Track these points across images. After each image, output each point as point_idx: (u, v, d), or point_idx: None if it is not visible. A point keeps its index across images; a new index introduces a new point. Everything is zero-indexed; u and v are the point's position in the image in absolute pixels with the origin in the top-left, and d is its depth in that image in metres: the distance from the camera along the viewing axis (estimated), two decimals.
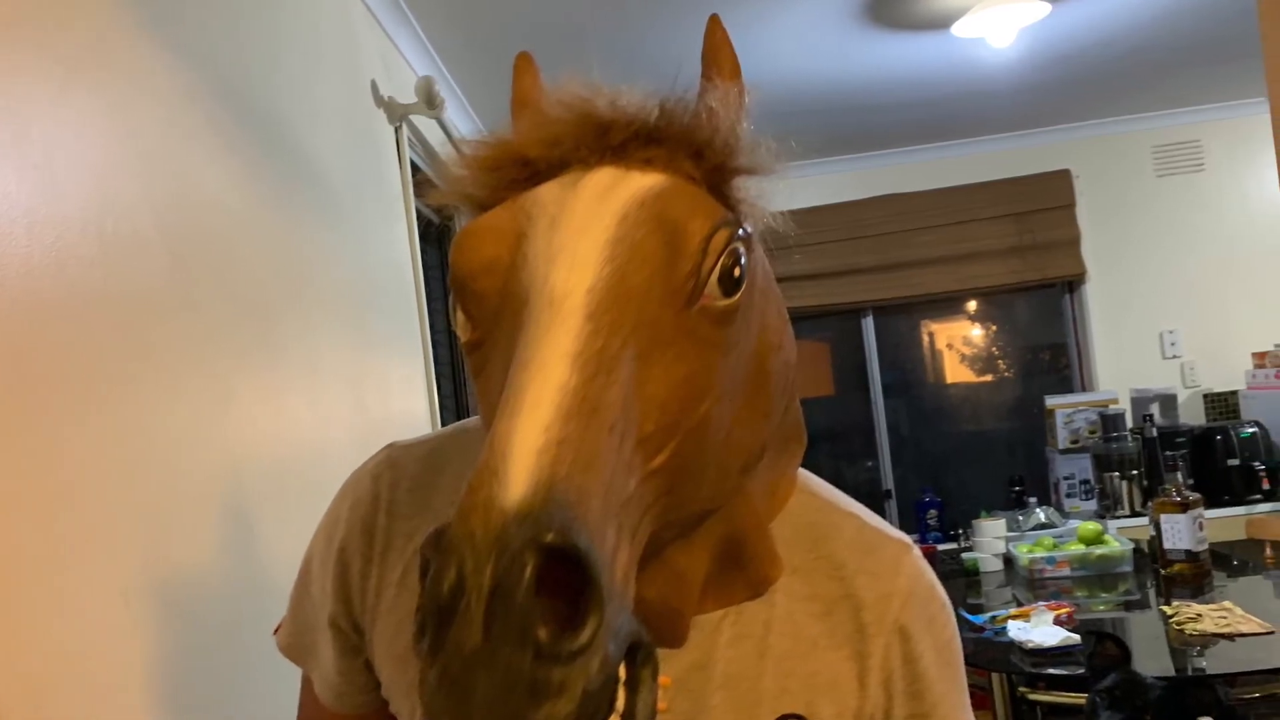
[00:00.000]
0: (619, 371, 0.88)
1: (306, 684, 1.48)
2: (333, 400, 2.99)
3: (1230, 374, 7.41)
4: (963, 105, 6.65)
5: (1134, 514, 6.59)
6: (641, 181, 0.99)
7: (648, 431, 0.90)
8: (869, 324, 7.91)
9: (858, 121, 6.79)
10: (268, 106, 2.76)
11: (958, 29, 5.04)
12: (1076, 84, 6.43)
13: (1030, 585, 5.08)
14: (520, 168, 1.05)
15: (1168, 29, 5.56)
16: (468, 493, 0.77)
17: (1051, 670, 3.89)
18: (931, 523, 7.30)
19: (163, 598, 1.88)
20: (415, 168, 4.33)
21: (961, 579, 5.42)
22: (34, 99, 1.68)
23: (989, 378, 8.16)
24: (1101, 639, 3.55)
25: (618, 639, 0.79)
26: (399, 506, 1.29)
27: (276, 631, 1.48)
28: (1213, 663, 3.77)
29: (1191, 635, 3.92)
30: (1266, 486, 6.71)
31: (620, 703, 0.81)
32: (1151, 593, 4.90)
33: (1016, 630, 4.09)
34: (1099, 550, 5.16)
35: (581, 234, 0.95)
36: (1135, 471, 6.72)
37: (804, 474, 1.32)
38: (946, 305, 8.04)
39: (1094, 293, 7.64)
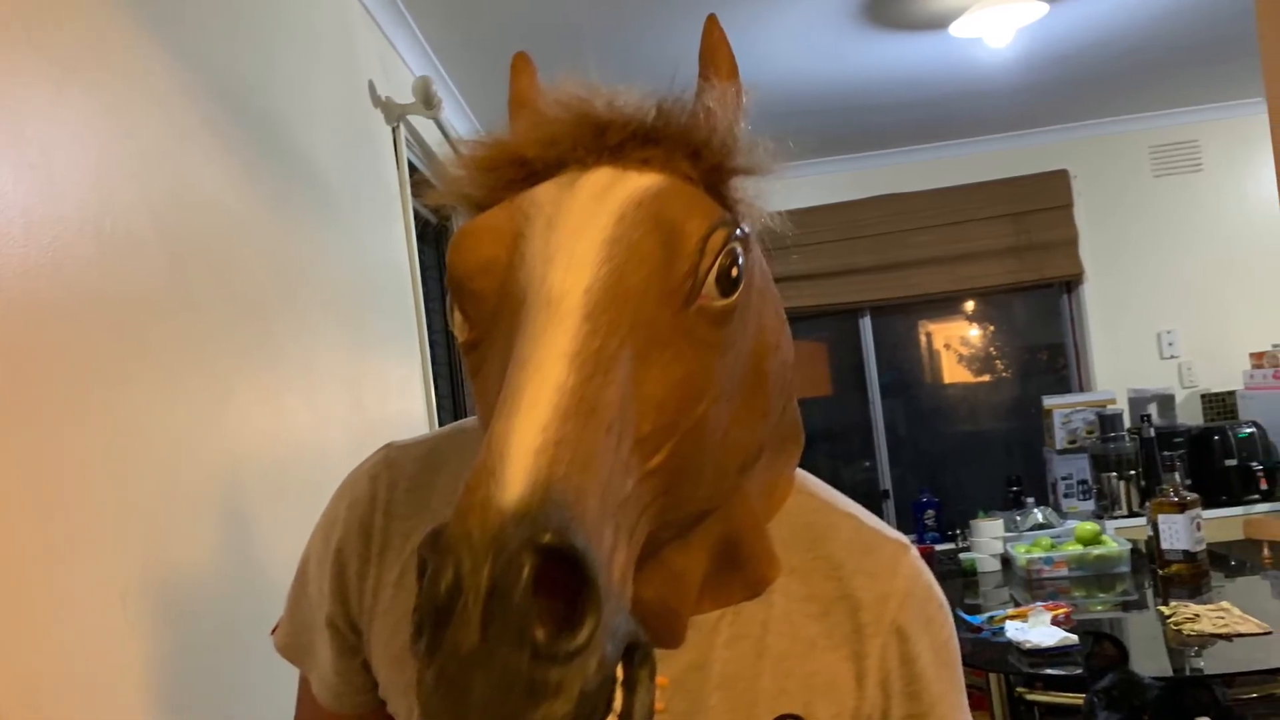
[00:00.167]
0: (616, 372, 0.88)
1: (304, 684, 1.48)
2: (330, 400, 2.99)
3: (1228, 374, 7.41)
4: (960, 105, 6.65)
5: (1132, 514, 6.59)
6: (639, 182, 0.99)
7: (645, 432, 0.90)
8: (866, 324, 7.92)
9: (855, 121, 6.79)
10: (265, 106, 2.76)
11: (955, 29, 5.04)
12: (1074, 84, 6.44)
13: (1028, 585, 5.08)
14: (517, 168, 1.05)
15: (1165, 29, 5.57)
16: (465, 493, 0.77)
17: (1049, 670, 3.89)
18: (929, 523, 7.30)
19: (160, 598, 1.88)
20: (413, 168, 4.33)
21: (959, 579, 5.42)
22: (31, 98, 1.68)
23: (987, 378, 8.17)
24: (1099, 639, 3.55)
25: (615, 639, 0.79)
26: (396, 507, 1.29)
27: (274, 631, 1.48)
28: (1210, 663, 3.77)
29: (1189, 635, 3.92)
30: (1264, 487, 6.72)
31: (618, 703, 0.81)
32: (1149, 593, 4.90)
33: (1014, 630, 4.09)
34: (1097, 550, 5.16)
35: (579, 234, 0.95)
36: (1133, 472, 6.72)
37: (801, 474, 1.32)
38: (944, 305, 8.05)
39: (1091, 293, 7.64)
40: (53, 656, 1.58)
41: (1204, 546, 4.97)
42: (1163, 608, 4.34)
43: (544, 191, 1.01)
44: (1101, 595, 4.95)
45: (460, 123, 5.34)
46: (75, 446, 1.68)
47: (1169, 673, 3.73)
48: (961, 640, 1.32)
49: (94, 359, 1.76)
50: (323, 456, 2.79)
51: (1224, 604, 4.19)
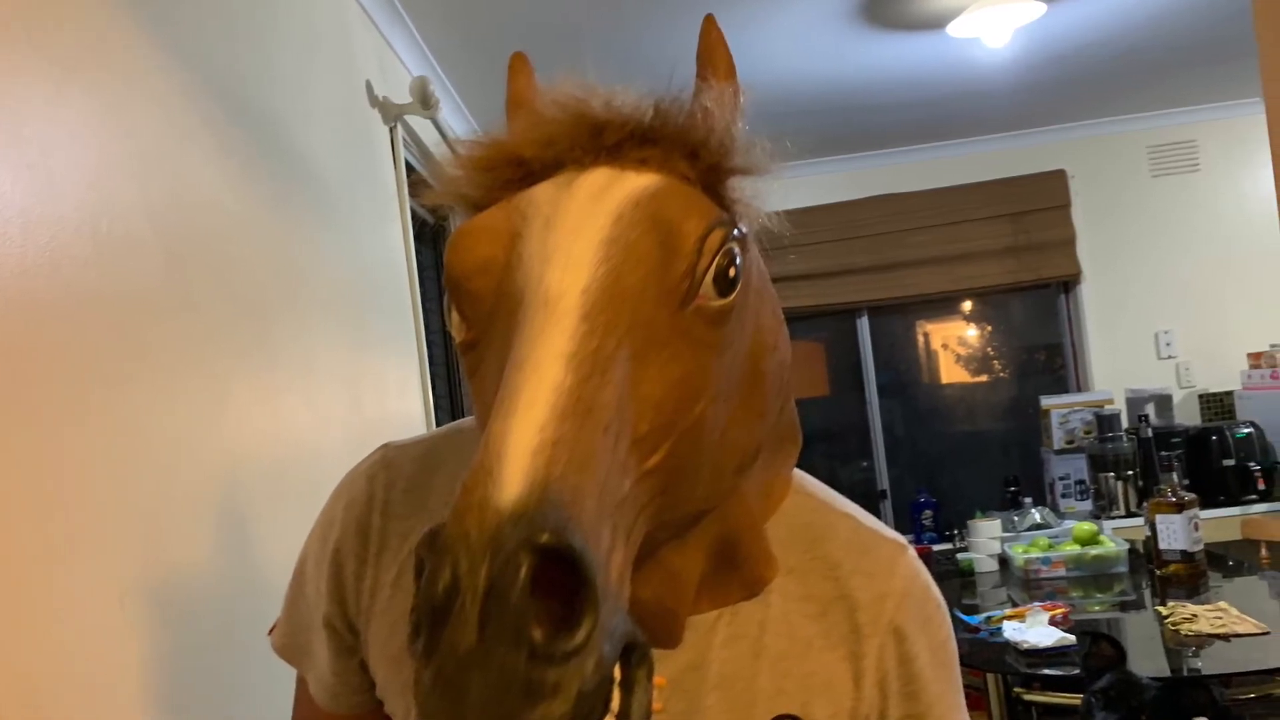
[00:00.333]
0: (614, 372, 0.88)
1: (301, 684, 1.48)
2: (328, 400, 2.99)
3: (1226, 374, 7.42)
4: (958, 105, 6.65)
5: (1129, 514, 6.59)
6: (636, 182, 0.99)
7: (642, 432, 0.90)
8: (864, 324, 7.92)
9: (853, 121, 6.79)
10: (263, 107, 2.76)
11: (953, 29, 5.04)
12: (1072, 84, 6.44)
13: (1025, 586, 5.08)
14: (515, 168, 1.05)
15: (1163, 29, 5.57)
16: (462, 493, 0.77)
17: (1047, 671, 3.89)
18: (927, 523, 7.30)
19: (158, 598, 1.88)
20: (410, 168, 4.33)
21: (957, 579, 5.42)
22: (29, 98, 1.68)
23: (984, 378, 8.17)
24: (1097, 639, 3.55)
25: (613, 639, 0.79)
26: (394, 507, 1.29)
27: (271, 632, 1.48)
28: (1208, 663, 3.77)
29: (1187, 636, 3.92)
30: (1262, 487, 6.72)
31: (615, 703, 0.81)
32: (1147, 593, 4.90)
33: (1012, 631, 4.10)
34: (1094, 551, 5.16)
35: (576, 234, 0.95)
36: (1130, 472, 6.72)
37: (799, 474, 1.32)
38: (942, 305, 8.05)
39: (1089, 293, 7.64)
40: (52, 656, 1.58)
41: (1202, 547, 4.97)
42: (1160, 608, 4.34)
43: (541, 192, 1.01)
44: (1099, 595, 4.95)
45: (458, 123, 5.34)
46: (73, 447, 1.68)
47: (1167, 673, 3.73)
48: (959, 640, 1.32)
49: (92, 359, 1.76)
50: (321, 456, 2.79)
51: (1222, 604, 4.19)
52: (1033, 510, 5.99)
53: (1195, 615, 4.09)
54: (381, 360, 3.64)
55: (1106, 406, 6.99)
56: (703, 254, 0.96)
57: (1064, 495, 6.94)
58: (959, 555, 5.67)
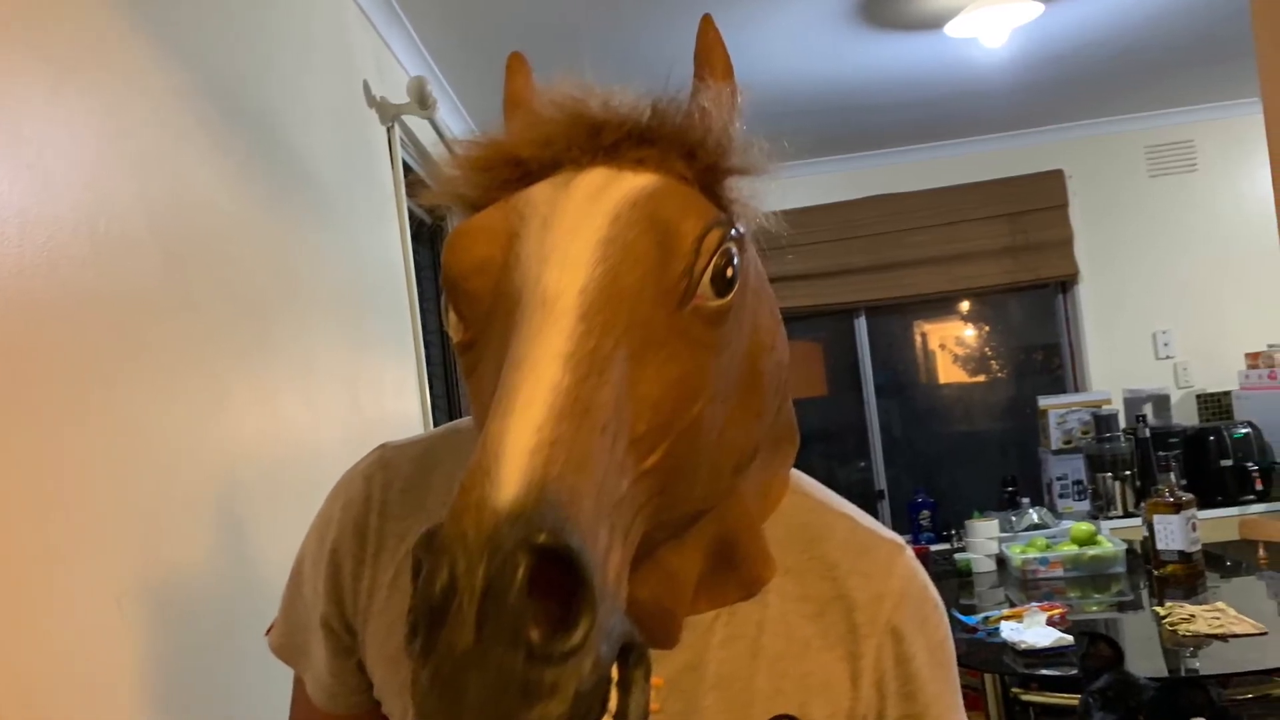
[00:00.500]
0: (611, 372, 0.88)
1: (299, 685, 1.48)
2: (326, 400, 2.99)
3: (1223, 374, 7.42)
4: (955, 105, 6.65)
5: (1127, 514, 6.60)
6: (634, 182, 0.99)
7: (640, 432, 0.90)
8: (861, 324, 7.92)
9: (850, 121, 6.79)
10: (260, 107, 2.76)
11: (950, 29, 5.04)
12: (1069, 84, 6.44)
13: (1023, 586, 5.09)
14: (512, 168, 1.05)
15: (1161, 29, 5.57)
16: (460, 493, 0.77)
17: (1044, 671, 3.89)
18: (924, 523, 7.30)
19: (156, 599, 1.88)
20: (408, 168, 4.33)
21: (954, 580, 5.43)
22: (27, 98, 1.68)
23: (982, 378, 8.17)
24: (1094, 640, 3.55)
25: (610, 640, 0.79)
26: (391, 507, 1.29)
27: (269, 632, 1.48)
28: (1206, 663, 3.77)
29: (1184, 636, 3.93)
30: (1259, 487, 6.72)
31: (613, 703, 0.81)
32: (1144, 593, 4.91)
33: (1009, 631, 4.10)
34: (1092, 551, 5.17)
35: (574, 234, 0.95)
36: (1128, 472, 6.73)
37: (797, 475, 1.32)
38: (939, 305, 8.05)
39: (1087, 293, 7.65)
40: (49, 657, 1.57)
41: (1199, 547, 4.98)
42: (1158, 608, 4.34)
43: (539, 191, 1.01)
44: (1097, 596, 4.95)
45: (455, 123, 5.34)
46: (71, 447, 1.68)
47: (1164, 673, 3.73)
48: (957, 641, 1.33)
49: (89, 359, 1.76)
50: (318, 456, 2.79)
51: (1219, 604, 4.19)
52: (1030, 510, 6.00)
53: (1193, 615, 4.09)
54: (379, 360, 3.64)
55: (1104, 407, 6.99)
56: (700, 254, 0.96)
57: (1061, 495, 6.94)
58: (957, 555, 5.67)
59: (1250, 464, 6.76)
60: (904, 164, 7.68)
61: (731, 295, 0.99)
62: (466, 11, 4.37)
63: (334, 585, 1.31)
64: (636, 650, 0.84)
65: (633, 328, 0.92)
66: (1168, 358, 7.56)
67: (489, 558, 0.72)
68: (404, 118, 4.16)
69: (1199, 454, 6.86)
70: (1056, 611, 4.25)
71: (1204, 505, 5.74)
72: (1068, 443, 7.02)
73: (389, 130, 4.06)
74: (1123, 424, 6.99)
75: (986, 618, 4.37)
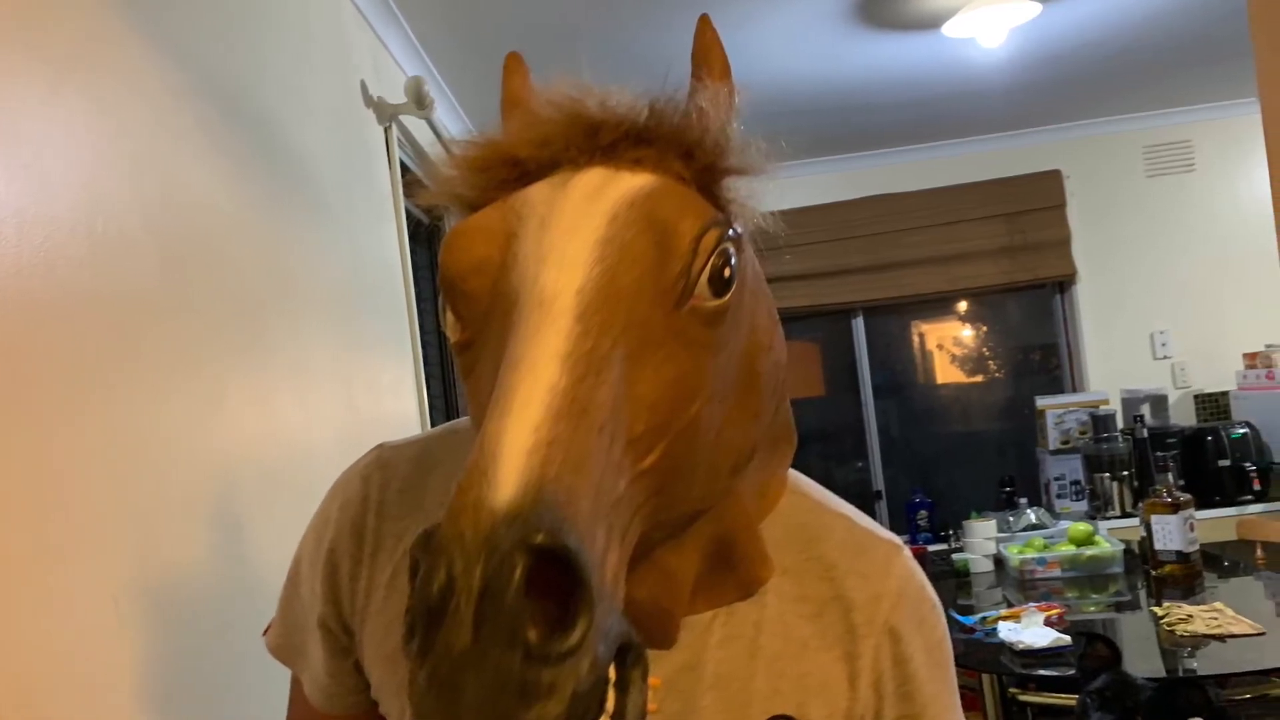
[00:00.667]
0: (609, 372, 0.88)
1: (296, 685, 1.48)
2: (323, 401, 2.99)
3: (1221, 375, 7.42)
4: (953, 105, 6.66)
5: (1125, 515, 6.61)
6: (631, 182, 0.99)
7: (638, 432, 0.90)
8: (859, 324, 7.92)
9: (848, 121, 6.80)
10: (257, 107, 2.76)
11: (948, 29, 5.04)
12: (1067, 84, 6.45)
13: (1021, 586, 5.09)
14: (510, 168, 1.05)
15: (1158, 29, 5.57)
16: (457, 493, 0.77)
17: (1042, 671, 3.89)
18: (922, 524, 7.31)
19: (153, 598, 1.88)
20: (405, 168, 4.33)
21: (952, 580, 5.43)
22: (24, 98, 1.68)
23: (979, 378, 8.17)
24: (1092, 640, 3.55)
25: (608, 640, 0.79)
26: (388, 507, 1.29)
27: (266, 632, 1.48)
28: (1203, 664, 3.77)
29: (1182, 636, 3.93)
30: (1257, 487, 6.73)
31: (610, 704, 0.81)
32: (1142, 594, 4.91)
33: (1007, 631, 4.10)
34: (1090, 551, 5.17)
35: (571, 234, 0.94)
36: (1126, 472, 6.73)
37: (794, 475, 1.32)
38: (937, 306, 8.05)
39: (1085, 293, 7.65)
40: (46, 657, 1.57)
41: (1197, 547, 4.98)
42: (1156, 608, 4.34)
43: (536, 191, 1.01)
44: (1095, 596, 4.95)
45: (453, 123, 5.34)
46: (68, 447, 1.68)
47: (1162, 673, 3.73)
48: (954, 641, 1.32)
49: (86, 359, 1.76)
50: (315, 457, 2.79)
51: (1217, 605, 4.19)
52: (1028, 511, 6.00)
53: (1190, 616, 4.09)
54: (376, 360, 3.64)
55: (1102, 407, 7.00)
56: (698, 254, 0.96)
57: (1059, 496, 6.95)
58: (954, 556, 5.67)
59: (1248, 464, 6.76)
60: (902, 164, 7.68)
61: (729, 295, 0.99)
62: (464, 11, 4.37)
63: (331, 585, 1.31)
64: (634, 650, 0.84)
65: (630, 328, 0.92)
66: (1165, 358, 7.57)
67: (486, 558, 0.72)
68: (401, 118, 4.16)
69: (1197, 454, 6.86)
70: (1054, 612, 4.25)
71: (1202, 505, 5.75)
72: (1065, 443, 7.02)
73: (386, 130, 4.06)
74: (1120, 424, 6.99)
75: (984, 618, 4.37)
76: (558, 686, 0.74)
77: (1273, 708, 3.79)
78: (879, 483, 7.90)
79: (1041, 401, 7.22)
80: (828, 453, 8.04)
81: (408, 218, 4.20)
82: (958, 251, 7.55)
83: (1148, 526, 5.03)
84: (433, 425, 4.14)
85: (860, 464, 7.97)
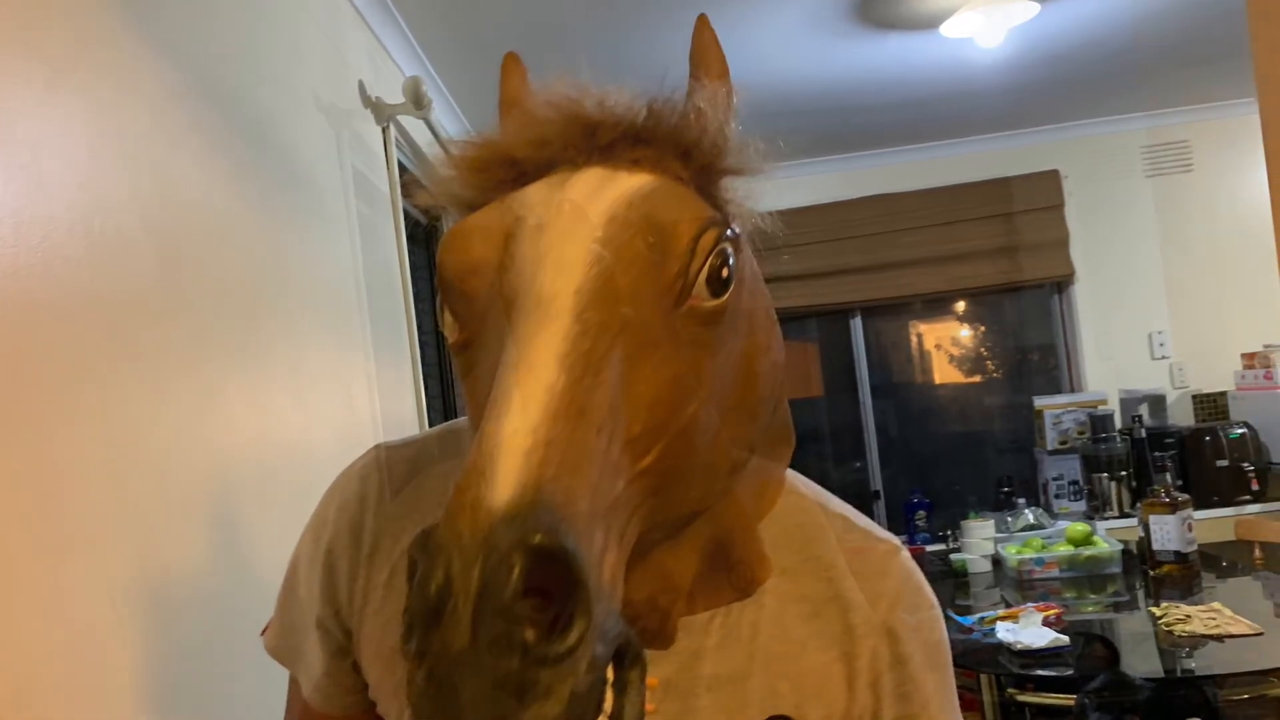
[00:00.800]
0: (606, 373, 0.88)
1: (294, 685, 1.48)
2: (320, 401, 2.98)
3: (1219, 375, 7.42)
4: (951, 105, 6.65)
5: (1123, 515, 6.61)
6: (629, 182, 0.99)
7: (635, 433, 0.90)
8: (857, 325, 7.91)
9: (846, 121, 6.79)
10: (255, 106, 2.76)
11: (946, 29, 5.04)
12: (1065, 84, 6.44)
13: (1019, 586, 5.09)
14: (508, 168, 1.05)
15: (1156, 29, 5.57)
16: (455, 494, 0.77)
17: (1040, 671, 3.89)
18: (920, 524, 7.31)
19: (150, 599, 1.87)
20: (403, 168, 4.32)
21: (950, 580, 5.43)
22: (20, 98, 1.68)
23: (977, 379, 8.17)
24: (1090, 640, 3.56)
25: (605, 640, 0.79)
26: (386, 508, 1.29)
27: (264, 633, 1.48)
28: (1201, 664, 3.77)
29: (1180, 636, 3.93)
30: (1255, 487, 6.73)
31: (608, 704, 0.81)
32: (1140, 594, 4.91)
33: (1005, 632, 4.10)
34: (1088, 551, 5.17)
35: (569, 235, 0.94)
36: (1124, 472, 6.74)
37: (792, 475, 1.32)
38: (935, 306, 8.05)
39: (1082, 293, 7.64)
40: (43, 658, 1.57)
41: (1195, 547, 4.99)
42: (1154, 609, 4.34)
43: (534, 192, 1.01)
44: (1093, 596, 4.96)
45: (450, 123, 5.34)
46: (65, 447, 1.68)
47: (1160, 674, 3.73)
48: (952, 641, 1.32)
49: (84, 359, 1.76)
50: (312, 457, 2.78)
51: (1215, 605, 4.19)
52: (1026, 511, 6.00)
53: (1189, 616, 4.09)
54: (373, 361, 3.64)
55: (1100, 407, 7.00)
56: (696, 255, 0.96)
57: (1057, 496, 6.95)
58: (952, 556, 5.67)
59: (1246, 464, 6.76)
60: (900, 164, 7.67)
61: (727, 296, 0.99)
62: (462, 11, 4.37)
63: (329, 586, 1.30)
64: (632, 651, 0.84)
65: (628, 328, 0.91)
66: (1164, 358, 7.56)
67: (484, 559, 0.72)
68: (399, 118, 4.16)
69: (1195, 454, 6.87)
70: (1052, 612, 4.25)
71: (1200, 506, 5.75)
72: (1064, 443, 7.02)
73: (384, 130, 4.06)
74: (1119, 424, 7.00)
75: (982, 618, 4.37)
76: (555, 687, 0.74)
77: (1271, 708, 3.79)
78: (877, 483, 7.89)
79: (1040, 402, 7.23)
80: (826, 453, 8.03)
81: (406, 218, 4.20)
82: (956, 251, 7.54)
83: (1146, 527, 5.03)
84: (430, 426, 4.14)
85: (858, 464, 7.96)
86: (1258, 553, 5.89)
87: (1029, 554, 5.26)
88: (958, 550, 5.73)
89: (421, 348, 4.26)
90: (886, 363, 8.07)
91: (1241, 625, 3.90)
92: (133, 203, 1.99)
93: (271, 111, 2.89)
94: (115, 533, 1.80)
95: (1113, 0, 5.09)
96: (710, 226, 0.98)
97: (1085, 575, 5.13)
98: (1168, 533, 4.92)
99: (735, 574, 1.20)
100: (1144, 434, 6.76)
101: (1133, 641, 4.16)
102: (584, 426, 0.83)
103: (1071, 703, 3.57)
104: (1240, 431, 6.86)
